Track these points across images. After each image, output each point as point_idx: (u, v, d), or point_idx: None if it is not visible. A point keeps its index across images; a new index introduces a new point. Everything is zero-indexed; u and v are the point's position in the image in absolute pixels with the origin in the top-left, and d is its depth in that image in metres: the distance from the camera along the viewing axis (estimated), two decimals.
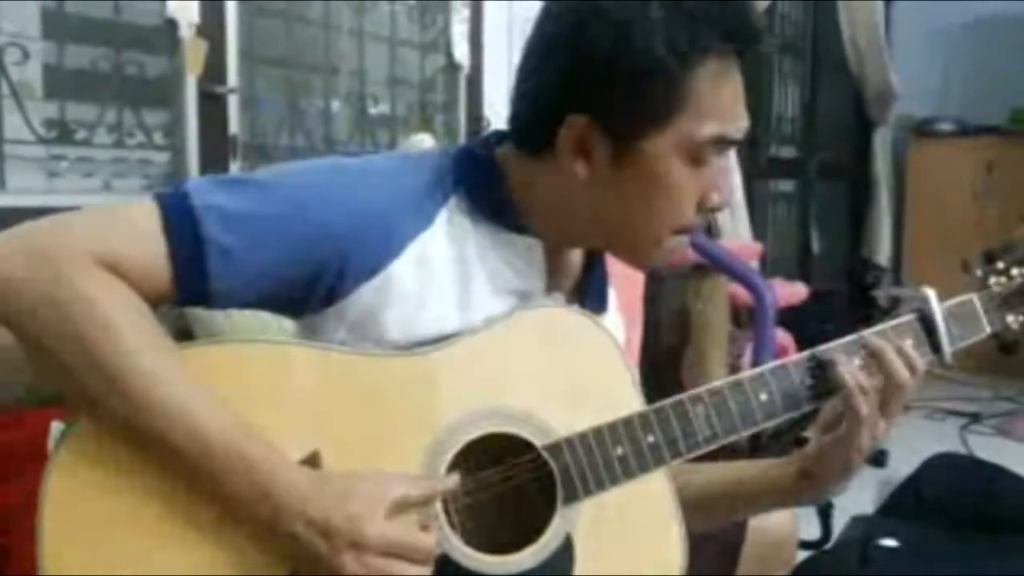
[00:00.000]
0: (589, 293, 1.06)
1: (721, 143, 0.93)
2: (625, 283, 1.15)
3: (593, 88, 0.90)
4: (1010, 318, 1.12)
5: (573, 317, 1.00)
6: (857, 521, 2.41)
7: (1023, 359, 1.18)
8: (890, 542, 2.14)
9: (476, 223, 0.97)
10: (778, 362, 1.02)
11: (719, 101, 0.91)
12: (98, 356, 0.82)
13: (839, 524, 2.34)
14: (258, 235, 0.89)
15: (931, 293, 1.07)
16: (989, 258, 1.14)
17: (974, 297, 1.10)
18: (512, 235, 0.98)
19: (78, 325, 0.82)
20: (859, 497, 2.65)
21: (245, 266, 0.89)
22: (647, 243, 0.97)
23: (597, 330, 1.00)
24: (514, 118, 0.99)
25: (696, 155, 0.92)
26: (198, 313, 1.34)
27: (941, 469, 2.55)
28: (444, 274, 0.96)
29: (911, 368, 1.00)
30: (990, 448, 3.32)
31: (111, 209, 0.90)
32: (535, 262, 0.99)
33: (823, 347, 1.03)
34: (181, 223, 0.87)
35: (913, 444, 3.08)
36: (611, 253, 1.04)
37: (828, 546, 2.26)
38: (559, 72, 0.93)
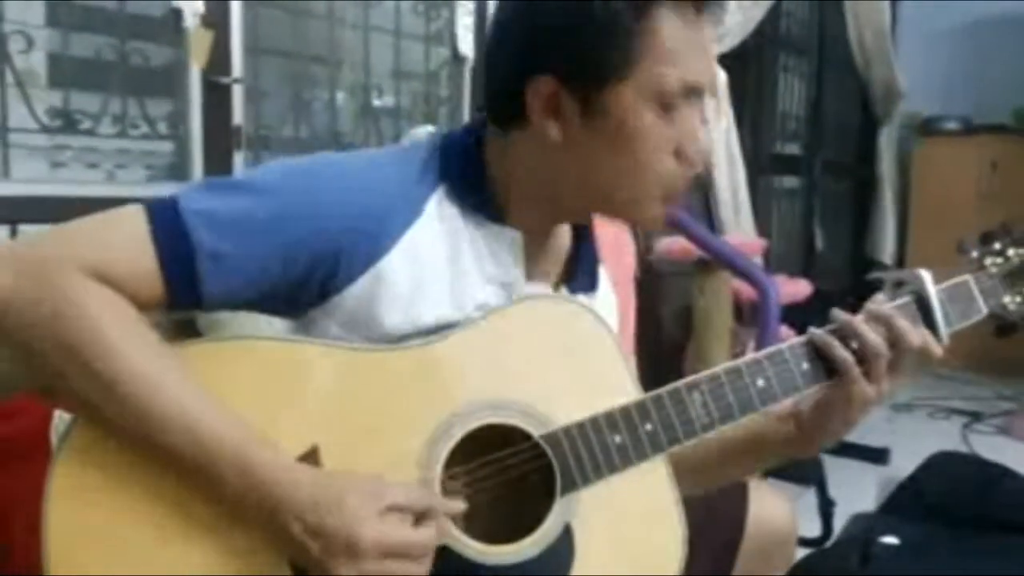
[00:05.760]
0: (577, 274, 1.07)
1: (689, 91, 0.93)
2: (616, 264, 1.15)
3: (554, 47, 0.92)
4: (1007, 299, 1.10)
5: (570, 308, 1.01)
6: (858, 519, 2.40)
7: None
8: (891, 540, 2.14)
9: (464, 212, 0.98)
10: (775, 347, 1.02)
11: (679, 49, 0.92)
12: (93, 364, 0.82)
13: (840, 522, 2.33)
14: (252, 238, 0.89)
15: (926, 274, 1.07)
16: (986, 239, 1.13)
17: (970, 278, 1.09)
18: (495, 226, 0.99)
19: (71, 335, 0.82)
20: (860, 495, 2.65)
21: (239, 269, 0.89)
22: (634, 203, 0.97)
23: (594, 321, 1.00)
24: (487, 93, 1.00)
25: (664, 104, 0.92)
26: None
27: (943, 468, 2.54)
28: (436, 267, 0.96)
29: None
30: (992, 447, 3.31)
31: (99, 219, 0.90)
32: (516, 254, 1.00)
33: (819, 330, 1.03)
34: (169, 230, 0.87)
35: (915, 443, 3.08)
36: (604, 216, 1.05)
37: (829, 544, 2.25)
38: (521, 36, 0.95)
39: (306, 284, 0.93)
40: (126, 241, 0.87)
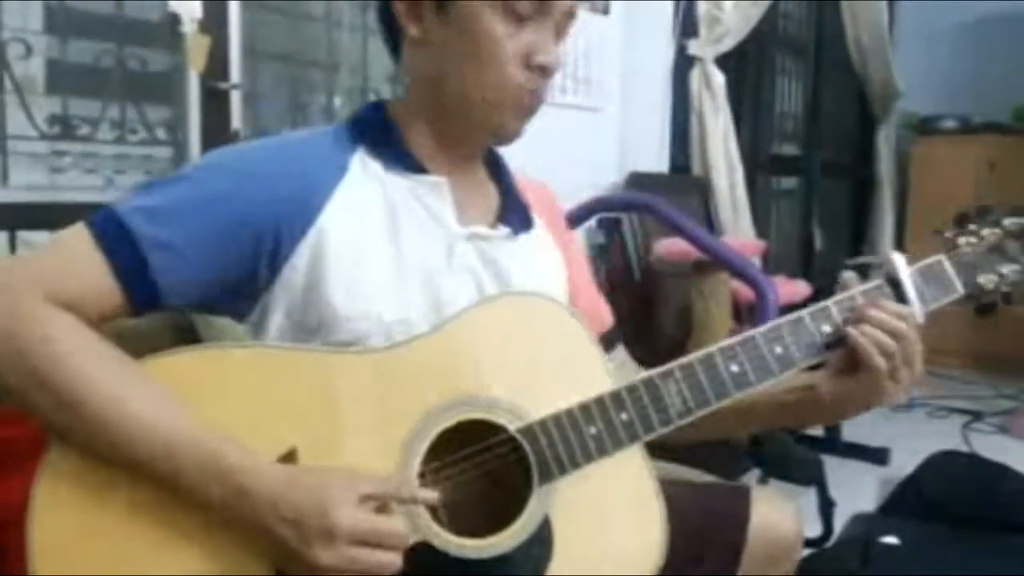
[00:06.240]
0: (509, 217, 1.11)
1: (538, 9, 1.00)
2: (544, 210, 1.20)
3: None
4: (982, 278, 1.11)
5: (542, 303, 1.02)
6: (858, 519, 2.41)
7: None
8: (891, 540, 2.15)
9: (387, 168, 1.03)
10: (747, 333, 1.03)
11: None
12: (61, 393, 0.85)
13: (840, 522, 2.34)
14: (193, 221, 0.92)
15: (897, 256, 1.08)
16: (961, 220, 1.14)
17: (943, 258, 1.10)
18: (419, 175, 1.04)
19: (37, 367, 0.84)
20: (860, 495, 2.66)
21: (188, 256, 0.92)
22: (490, 109, 1.02)
23: (566, 315, 1.02)
24: (382, 37, 1.09)
25: (513, 15, 0.99)
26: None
27: (943, 467, 2.55)
28: (372, 216, 1.00)
29: (897, 316, 1.01)
30: (992, 446, 3.32)
31: (45, 246, 0.93)
32: (445, 198, 1.04)
33: (787, 317, 1.04)
34: (113, 235, 0.90)
35: (915, 442, 3.08)
36: (473, 130, 1.06)
37: (829, 544, 2.25)
38: None
39: (255, 270, 0.96)
40: (75, 260, 0.90)
